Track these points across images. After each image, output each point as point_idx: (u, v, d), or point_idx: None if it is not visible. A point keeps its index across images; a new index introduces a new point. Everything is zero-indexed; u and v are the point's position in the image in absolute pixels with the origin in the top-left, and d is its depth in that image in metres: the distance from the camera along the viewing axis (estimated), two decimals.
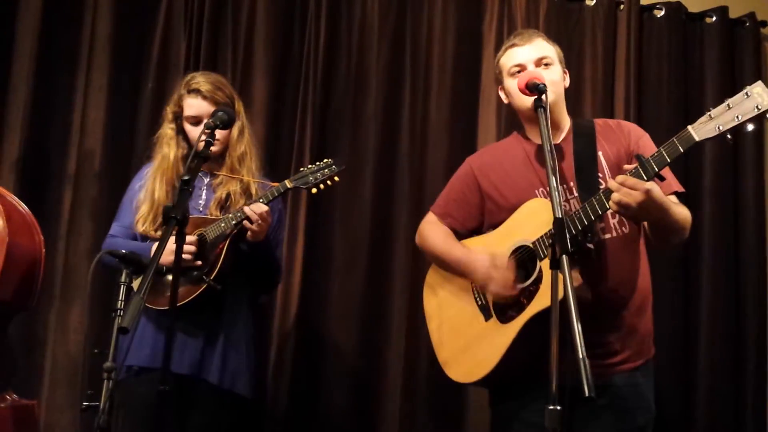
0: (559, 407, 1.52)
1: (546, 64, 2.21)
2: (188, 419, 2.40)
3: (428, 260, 2.41)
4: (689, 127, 1.83)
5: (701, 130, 1.80)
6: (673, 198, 2.07)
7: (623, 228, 2.11)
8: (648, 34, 3.49)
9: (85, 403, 1.85)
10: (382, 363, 3.13)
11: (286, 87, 3.29)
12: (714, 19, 3.52)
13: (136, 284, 2.17)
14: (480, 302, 2.20)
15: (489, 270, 2.11)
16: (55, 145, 3.13)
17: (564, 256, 1.57)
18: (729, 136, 1.79)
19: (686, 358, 3.29)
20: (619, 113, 3.36)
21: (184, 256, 2.27)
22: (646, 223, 2.09)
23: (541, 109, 1.94)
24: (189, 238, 2.36)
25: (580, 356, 1.45)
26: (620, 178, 1.87)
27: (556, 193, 1.71)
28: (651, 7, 3.50)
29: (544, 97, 1.97)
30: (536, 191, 2.17)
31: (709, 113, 1.80)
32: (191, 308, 2.34)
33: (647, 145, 2.15)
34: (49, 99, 3.13)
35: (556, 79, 2.19)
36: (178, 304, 1.91)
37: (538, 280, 2.05)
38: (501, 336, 2.09)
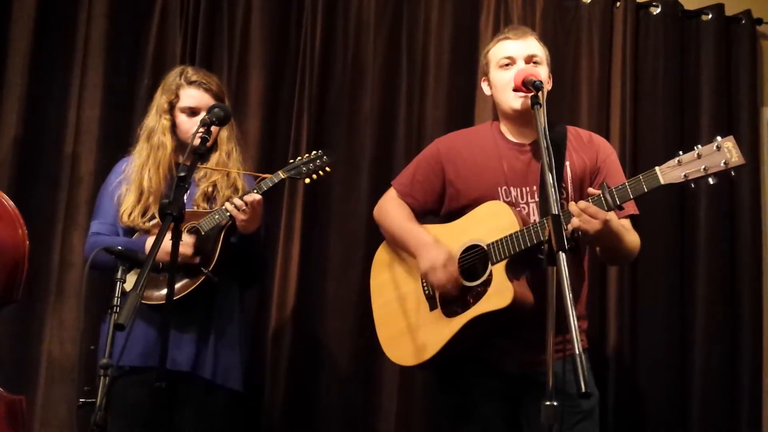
0: (555, 403, 1.52)
1: (535, 63, 2.23)
2: (181, 416, 2.40)
3: (382, 235, 2.44)
4: (657, 169, 1.87)
5: (668, 174, 1.84)
6: (627, 223, 2.14)
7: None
8: (644, 31, 3.49)
9: (81, 400, 1.85)
10: (378, 361, 3.11)
11: (282, 83, 3.27)
12: (710, 16, 3.52)
13: (129, 280, 2.16)
14: (427, 291, 2.24)
15: (436, 269, 2.13)
16: (50, 142, 3.11)
17: (561, 252, 1.57)
18: (693, 185, 1.83)
19: (682, 360, 3.29)
20: (615, 111, 3.36)
21: (182, 251, 2.27)
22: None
23: (537, 106, 1.94)
24: (186, 237, 2.36)
25: (577, 352, 1.46)
26: (582, 204, 1.92)
27: (553, 189, 1.71)
28: (647, 5, 3.50)
29: (540, 94, 1.97)
30: (498, 189, 2.20)
31: (678, 158, 1.83)
32: (183, 304, 2.34)
33: (613, 165, 2.24)
34: (43, 96, 3.11)
35: (544, 79, 2.20)
36: (175, 298, 1.90)
37: (487, 282, 2.09)
38: (443, 328, 2.16)
